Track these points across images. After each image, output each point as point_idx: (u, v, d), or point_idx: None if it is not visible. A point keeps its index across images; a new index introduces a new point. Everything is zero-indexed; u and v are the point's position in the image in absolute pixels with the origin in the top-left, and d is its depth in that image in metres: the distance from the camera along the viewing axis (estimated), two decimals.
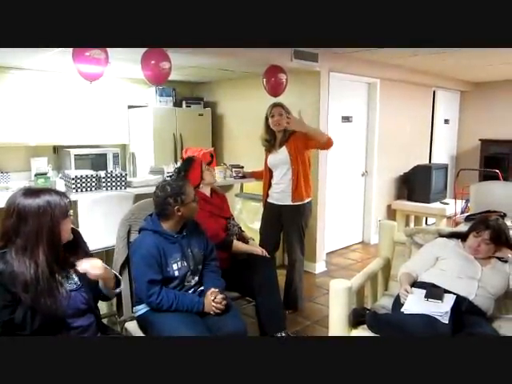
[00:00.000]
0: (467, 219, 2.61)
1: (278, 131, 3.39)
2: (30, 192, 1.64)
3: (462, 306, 2.15)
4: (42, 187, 1.84)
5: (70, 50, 2.91)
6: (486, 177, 5.80)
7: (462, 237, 2.49)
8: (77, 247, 1.79)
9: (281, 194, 3.44)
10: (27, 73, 4.37)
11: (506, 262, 2.35)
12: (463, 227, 2.78)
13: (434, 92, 6.36)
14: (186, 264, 2.22)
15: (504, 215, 3.26)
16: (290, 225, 3.47)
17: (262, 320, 2.67)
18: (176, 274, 2.17)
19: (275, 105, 3.40)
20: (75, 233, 1.81)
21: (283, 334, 2.65)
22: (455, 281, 2.26)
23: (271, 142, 3.46)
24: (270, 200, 3.56)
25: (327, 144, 3.36)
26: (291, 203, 3.39)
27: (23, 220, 1.58)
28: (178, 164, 3.90)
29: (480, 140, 6.51)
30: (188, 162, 2.88)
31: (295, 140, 3.34)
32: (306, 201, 3.44)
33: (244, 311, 2.79)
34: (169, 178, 3.24)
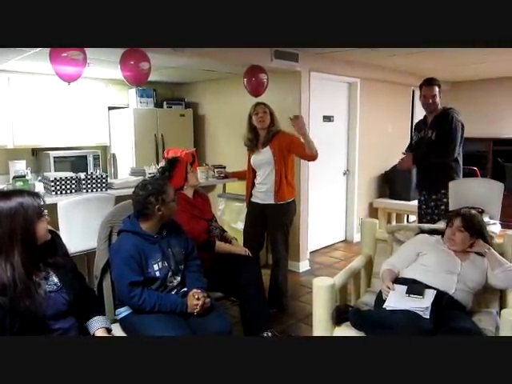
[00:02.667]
0: (447, 218, 2.65)
1: (261, 129, 3.40)
2: (0, 195, 1.61)
3: (442, 300, 2.18)
4: (14, 189, 1.82)
5: (47, 50, 2.87)
6: (464, 174, 5.89)
7: (442, 233, 2.54)
8: (55, 248, 1.77)
9: (264, 193, 3.45)
10: (3, 75, 4.29)
11: (482, 255, 2.39)
12: (443, 224, 2.83)
13: (413, 91, 6.44)
14: (166, 264, 2.20)
15: (482, 211, 3.32)
16: (274, 224, 3.48)
17: (248, 319, 2.66)
18: (157, 274, 2.15)
19: (259, 103, 3.41)
20: (52, 234, 1.79)
21: (269, 334, 2.65)
22: (435, 276, 2.29)
23: (253, 141, 3.46)
24: (253, 200, 3.56)
25: (313, 157, 3.34)
26: (274, 202, 3.40)
27: None
28: (161, 164, 3.88)
29: None
30: (173, 163, 2.84)
31: (279, 140, 3.35)
32: (290, 200, 3.45)
33: (228, 311, 2.79)
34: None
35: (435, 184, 3.66)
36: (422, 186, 3.85)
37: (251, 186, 3.58)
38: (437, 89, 3.58)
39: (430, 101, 3.58)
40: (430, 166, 3.63)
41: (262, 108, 3.36)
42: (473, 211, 2.53)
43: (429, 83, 3.60)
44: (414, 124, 4.11)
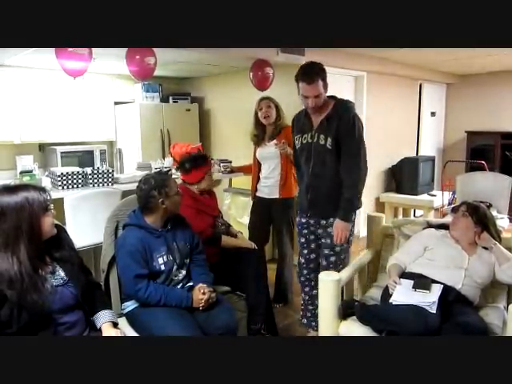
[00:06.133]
0: (453, 210, 2.63)
1: (267, 124, 3.38)
2: (6, 189, 1.62)
3: (449, 295, 2.17)
4: (20, 183, 1.82)
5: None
6: (472, 168, 5.86)
7: (449, 227, 2.52)
8: (61, 242, 1.78)
9: (269, 188, 3.44)
10: (11, 70, 4.31)
11: (487, 249, 2.37)
12: (450, 218, 2.81)
13: (421, 85, 6.39)
14: (171, 258, 2.20)
15: (490, 205, 3.30)
16: (279, 218, 3.47)
17: (248, 312, 2.65)
18: (162, 268, 2.16)
19: (263, 98, 3.40)
20: (59, 228, 1.79)
21: (256, 326, 2.60)
22: (442, 270, 2.28)
23: (260, 136, 3.46)
24: (258, 194, 3.55)
25: None
26: (280, 197, 3.39)
27: (2, 217, 1.57)
28: (166, 160, 3.88)
29: (466, 132, 6.57)
30: (201, 160, 2.79)
31: (287, 135, 3.32)
32: (296, 194, 3.44)
33: (235, 306, 2.79)
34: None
35: (330, 206, 2.60)
36: (311, 207, 2.69)
37: (257, 179, 3.57)
38: (321, 83, 2.46)
39: (314, 103, 2.47)
40: (327, 184, 2.58)
41: (266, 103, 3.34)
42: (480, 204, 2.52)
43: (308, 79, 2.44)
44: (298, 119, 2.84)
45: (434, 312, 2.04)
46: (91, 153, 4.94)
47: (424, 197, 5.59)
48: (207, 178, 2.79)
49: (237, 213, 4.61)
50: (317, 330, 2.47)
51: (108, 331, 1.81)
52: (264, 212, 3.51)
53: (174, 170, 3.62)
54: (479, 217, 2.39)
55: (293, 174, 3.38)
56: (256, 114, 3.40)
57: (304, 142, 2.63)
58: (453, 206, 3.68)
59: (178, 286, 2.24)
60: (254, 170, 3.59)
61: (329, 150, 2.50)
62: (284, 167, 3.35)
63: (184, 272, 2.27)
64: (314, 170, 2.59)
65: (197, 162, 2.75)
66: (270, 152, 3.39)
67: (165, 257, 2.18)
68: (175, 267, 2.22)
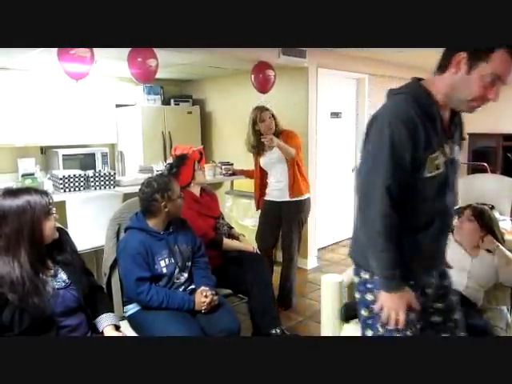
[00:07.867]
0: (455, 212, 2.63)
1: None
2: (8, 192, 1.62)
3: None
4: (22, 187, 1.82)
5: (55, 48, 2.87)
6: (474, 170, 5.86)
7: (452, 230, 2.51)
8: (63, 245, 1.78)
9: (281, 191, 3.44)
10: (12, 73, 4.31)
11: (490, 251, 2.36)
12: (455, 220, 2.80)
13: None
14: (173, 261, 2.20)
15: (492, 207, 3.29)
16: (289, 221, 3.46)
17: (256, 318, 2.65)
18: (164, 271, 2.16)
19: (263, 109, 3.37)
20: (61, 231, 1.79)
21: (278, 331, 2.63)
22: None
23: (259, 146, 3.43)
24: (268, 198, 3.54)
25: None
26: (291, 199, 3.39)
27: (3, 221, 1.57)
28: (168, 161, 3.87)
29: (468, 134, 6.56)
30: (181, 159, 2.83)
31: (285, 138, 3.34)
32: (306, 196, 3.44)
33: (236, 308, 2.78)
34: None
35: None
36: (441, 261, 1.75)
37: (260, 186, 3.57)
38: None
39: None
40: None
41: (267, 114, 3.33)
42: (485, 207, 2.51)
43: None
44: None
45: None
46: (93, 155, 4.94)
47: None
48: (199, 172, 2.81)
49: (238, 215, 4.61)
50: None
51: (110, 334, 1.80)
52: (274, 215, 3.49)
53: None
54: (485, 221, 2.38)
55: (301, 173, 3.39)
56: (254, 123, 3.38)
57: (443, 161, 1.50)
58: (456, 207, 3.67)
59: (180, 289, 2.23)
60: (257, 177, 3.58)
61: (458, 165, 1.61)
62: (291, 167, 3.37)
63: (186, 275, 2.27)
64: (451, 203, 1.57)
65: (180, 161, 2.80)
66: (275, 158, 3.39)
67: (167, 260, 2.18)
68: (177, 270, 2.22)
